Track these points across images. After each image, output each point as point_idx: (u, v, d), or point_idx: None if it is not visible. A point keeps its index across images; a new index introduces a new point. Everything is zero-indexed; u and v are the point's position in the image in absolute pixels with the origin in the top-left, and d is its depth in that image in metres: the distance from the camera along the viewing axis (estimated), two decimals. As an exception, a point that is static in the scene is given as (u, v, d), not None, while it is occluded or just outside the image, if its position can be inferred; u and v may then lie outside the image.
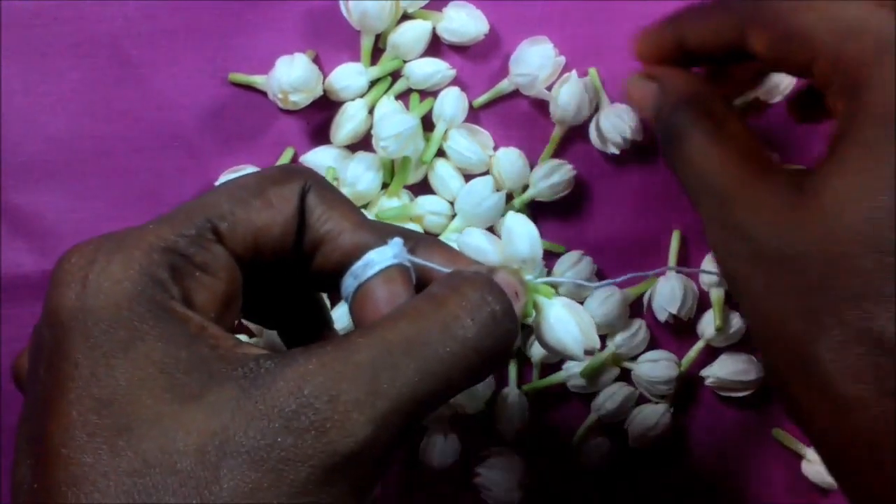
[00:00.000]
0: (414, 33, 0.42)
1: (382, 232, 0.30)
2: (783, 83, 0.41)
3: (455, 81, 0.43)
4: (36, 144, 0.43)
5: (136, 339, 0.24)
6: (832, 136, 0.29)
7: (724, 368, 0.43)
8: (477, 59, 0.43)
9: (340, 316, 0.41)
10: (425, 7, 0.42)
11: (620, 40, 0.43)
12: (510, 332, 0.27)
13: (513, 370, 0.43)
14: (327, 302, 0.35)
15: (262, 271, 0.29)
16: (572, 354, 0.31)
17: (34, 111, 0.43)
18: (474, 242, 0.31)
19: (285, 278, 0.30)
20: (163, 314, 0.25)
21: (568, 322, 0.30)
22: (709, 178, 0.31)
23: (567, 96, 0.41)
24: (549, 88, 0.42)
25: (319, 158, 0.42)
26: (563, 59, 0.42)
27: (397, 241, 0.29)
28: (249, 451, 0.23)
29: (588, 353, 0.31)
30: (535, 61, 0.41)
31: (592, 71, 0.43)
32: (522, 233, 0.32)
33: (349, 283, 0.29)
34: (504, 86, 0.43)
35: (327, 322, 0.34)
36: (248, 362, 0.24)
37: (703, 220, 0.31)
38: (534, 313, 0.30)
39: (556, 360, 0.44)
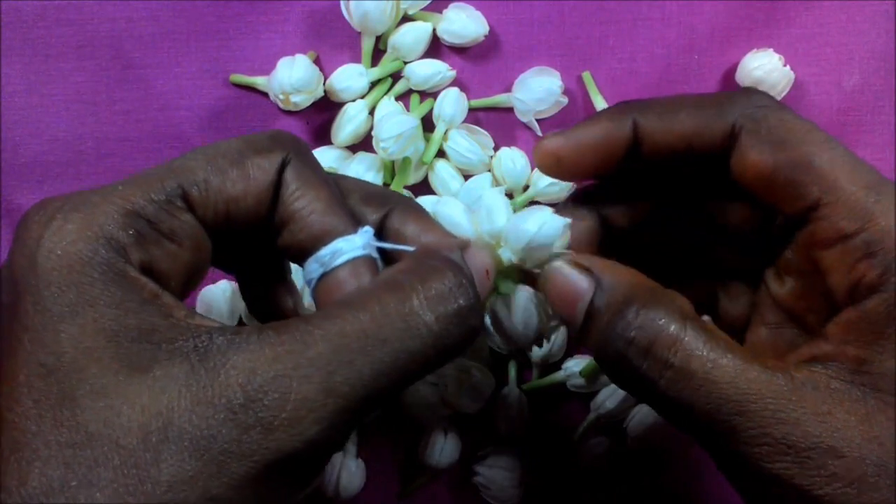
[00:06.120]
0: (414, 35, 0.42)
1: (359, 208, 0.29)
2: (780, 83, 0.41)
3: (455, 82, 0.43)
4: (38, 145, 0.43)
5: (85, 304, 0.23)
6: (859, 315, 0.26)
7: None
8: (477, 60, 0.44)
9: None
10: (426, 9, 0.43)
11: (618, 42, 0.43)
12: (473, 330, 0.26)
13: (513, 370, 0.43)
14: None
15: (234, 237, 0.28)
16: (524, 345, 0.30)
17: (37, 112, 0.43)
18: (450, 214, 0.30)
19: (255, 240, 0.29)
20: (116, 279, 0.24)
21: (531, 315, 0.30)
22: (732, 392, 0.25)
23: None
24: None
25: (320, 159, 0.42)
26: (565, 99, 0.43)
27: (367, 231, 0.28)
28: (192, 439, 0.22)
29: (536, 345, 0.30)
30: (536, 93, 0.42)
31: (587, 74, 0.43)
32: (500, 206, 0.30)
33: (313, 268, 0.28)
34: (502, 99, 0.43)
35: (284, 274, 0.33)
36: (202, 334, 0.24)
37: (722, 450, 0.26)
38: (496, 296, 0.29)
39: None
